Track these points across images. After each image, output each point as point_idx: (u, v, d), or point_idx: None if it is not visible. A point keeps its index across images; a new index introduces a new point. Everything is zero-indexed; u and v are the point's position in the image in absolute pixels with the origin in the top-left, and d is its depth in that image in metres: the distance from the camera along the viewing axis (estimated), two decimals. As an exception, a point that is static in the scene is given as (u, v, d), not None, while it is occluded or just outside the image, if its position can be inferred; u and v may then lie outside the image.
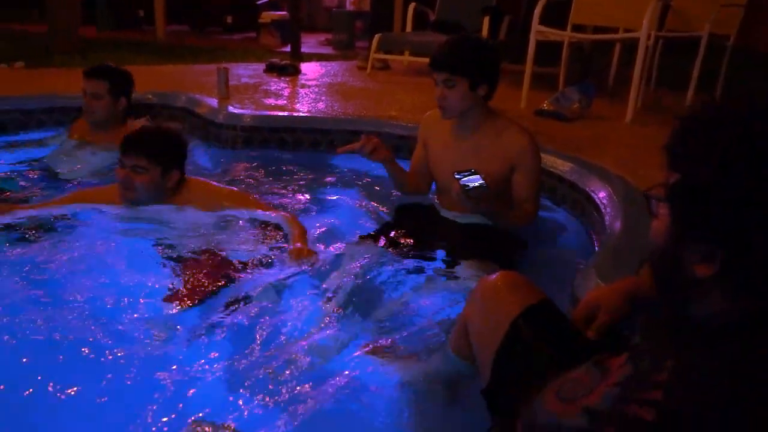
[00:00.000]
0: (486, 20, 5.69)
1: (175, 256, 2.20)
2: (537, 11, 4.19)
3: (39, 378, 1.61)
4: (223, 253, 2.23)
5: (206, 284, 2.05)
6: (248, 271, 2.18)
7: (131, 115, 3.27)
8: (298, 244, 2.24)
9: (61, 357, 1.69)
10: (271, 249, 2.30)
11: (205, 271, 2.11)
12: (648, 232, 1.00)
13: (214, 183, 2.66)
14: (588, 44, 5.32)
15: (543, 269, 2.16)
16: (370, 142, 2.24)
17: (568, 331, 1.35)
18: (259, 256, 2.25)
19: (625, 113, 4.02)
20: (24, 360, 1.67)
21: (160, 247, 2.24)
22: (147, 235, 2.28)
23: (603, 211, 2.39)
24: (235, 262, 2.20)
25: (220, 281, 2.08)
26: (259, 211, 2.46)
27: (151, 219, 2.34)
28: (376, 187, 3.08)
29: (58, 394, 1.56)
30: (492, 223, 2.23)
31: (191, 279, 2.07)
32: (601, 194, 2.52)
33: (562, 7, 4.52)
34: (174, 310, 1.94)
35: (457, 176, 1.96)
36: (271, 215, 2.45)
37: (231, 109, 3.94)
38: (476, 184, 1.96)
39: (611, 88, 5.21)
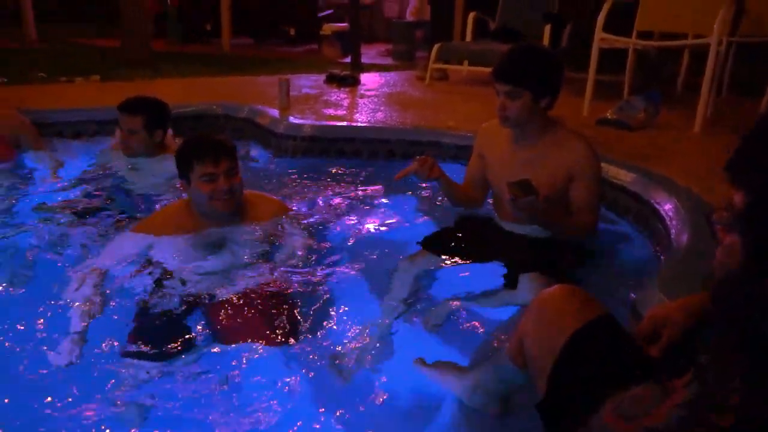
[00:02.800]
0: (547, 28, 5.60)
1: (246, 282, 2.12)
2: (600, 18, 4.09)
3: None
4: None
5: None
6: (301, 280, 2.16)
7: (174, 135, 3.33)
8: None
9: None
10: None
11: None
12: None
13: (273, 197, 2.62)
14: (654, 51, 5.16)
15: (604, 283, 2.11)
16: (425, 163, 2.22)
17: (629, 347, 1.31)
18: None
19: (693, 123, 3.86)
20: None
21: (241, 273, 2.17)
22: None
23: (668, 223, 2.31)
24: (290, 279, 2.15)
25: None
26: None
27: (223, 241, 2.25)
28: (435, 197, 3.07)
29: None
30: (550, 235, 2.18)
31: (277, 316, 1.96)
32: (667, 206, 2.43)
33: (627, 13, 4.40)
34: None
35: (509, 186, 1.94)
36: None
37: (291, 119, 4.03)
38: (527, 197, 1.92)
39: (679, 97, 5.02)
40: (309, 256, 2.32)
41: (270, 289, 2.08)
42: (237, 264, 2.18)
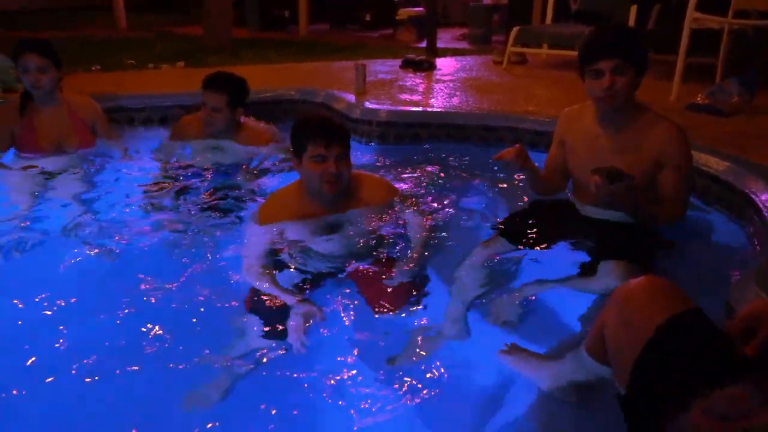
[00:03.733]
0: (634, 8, 5.35)
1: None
2: (693, -3, 3.86)
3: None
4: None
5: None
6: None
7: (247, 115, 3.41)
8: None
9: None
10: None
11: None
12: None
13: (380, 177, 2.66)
14: (752, 31, 4.82)
15: (693, 275, 2.02)
16: (521, 154, 2.22)
17: (720, 344, 1.24)
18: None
19: (794, 108, 3.61)
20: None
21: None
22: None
23: (766, 214, 2.16)
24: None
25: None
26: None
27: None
28: (512, 182, 3.01)
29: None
30: (634, 222, 2.09)
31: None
32: (764, 196, 2.28)
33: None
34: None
35: (597, 172, 1.87)
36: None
37: (367, 104, 4.04)
38: (618, 183, 1.85)
39: (778, 80, 4.69)
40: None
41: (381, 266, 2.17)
42: (353, 245, 2.24)
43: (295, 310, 1.91)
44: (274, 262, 2.17)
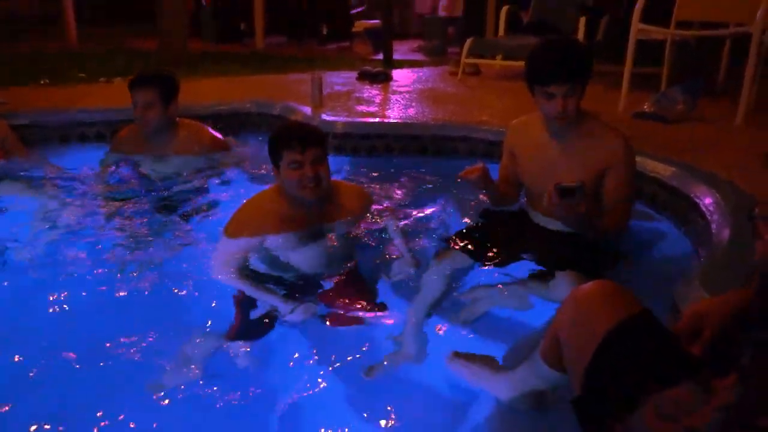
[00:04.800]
0: (583, 20, 5.51)
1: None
2: (638, 8, 4.00)
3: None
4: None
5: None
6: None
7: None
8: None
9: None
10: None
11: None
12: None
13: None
14: (694, 41, 5.03)
15: (641, 279, 2.06)
16: (484, 174, 2.22)
17: (669, 345, 1.27)
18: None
19: (736, 115, 3.75)
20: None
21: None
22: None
23: (709, 218, 2.24)
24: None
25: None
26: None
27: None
28: (465, 192, 3.05)
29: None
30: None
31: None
32: (707, 200, 2.37)
33: (665, 3, 4.29)
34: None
35: (555, 188, 1.89)
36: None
37: (324, 116, 4.04)
38: (572, 186, 1.87)
39: (721, 88, 4.88)
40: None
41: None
42: (332, 254, 2.25)
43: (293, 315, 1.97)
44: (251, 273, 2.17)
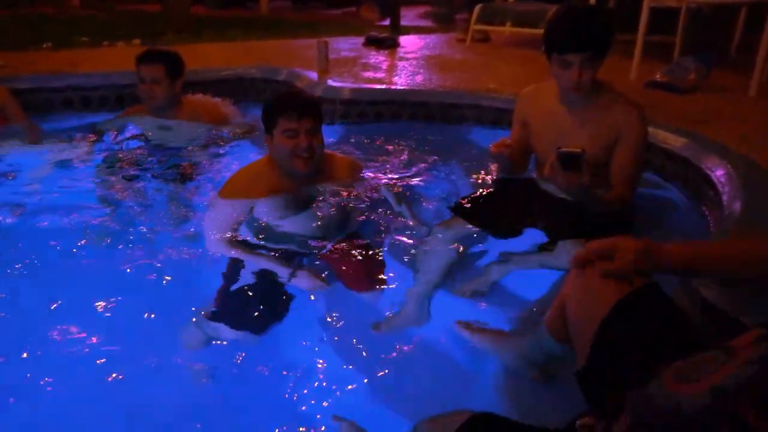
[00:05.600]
0: (595, -14, 5.38)
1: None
2: (652, -25, 3.90)
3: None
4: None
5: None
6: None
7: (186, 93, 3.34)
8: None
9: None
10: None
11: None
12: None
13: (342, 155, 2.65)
14: (708, 9, 4.90)
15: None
16: (512, 151, 2.14)
17: (675, 316, 1.26)
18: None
19: (749, 85, 3.68)
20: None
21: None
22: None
23: (720, 190, 2.21)
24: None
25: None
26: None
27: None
28: (474, 159, 3.02)
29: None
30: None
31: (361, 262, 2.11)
32: (719, 172, 2.33)
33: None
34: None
35: (558, 154, 1.85)
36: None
37: (330, 82, 3.99)
38: (575, 152, 1.82)
39: (734, 58, 4.79)
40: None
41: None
42: (324, 222, 2.23)
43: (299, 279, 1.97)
44: (243, 242, 2.14)
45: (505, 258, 2.09)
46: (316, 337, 1.79)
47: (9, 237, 2.31)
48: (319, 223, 2.21)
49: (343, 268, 2.08)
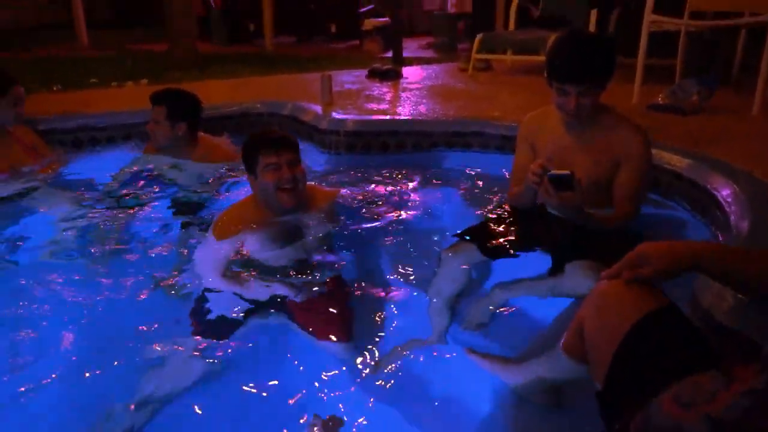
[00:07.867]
0: (594, 13, 5.46)
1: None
2: (650, -1, 3.95)
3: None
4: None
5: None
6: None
7: (207, 132, 3.36)
8: None
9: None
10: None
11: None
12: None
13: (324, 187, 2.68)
14: (708, 32, 4.95)
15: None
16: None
17: (693, 338, 1.25)
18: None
19: (752, 105, 3.70)
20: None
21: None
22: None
23: (727, 209, 2.21)
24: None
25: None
26: None
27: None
28: (479, 186, 3.03)
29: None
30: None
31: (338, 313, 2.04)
32: (725, 192, 2.33)
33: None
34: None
35: (548, 179, 1.85)
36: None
37: (334, 115, 4.03)
38: (563, 174, 1.83)
39: (736, 79, 4.81)
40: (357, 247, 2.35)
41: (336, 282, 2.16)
42: (309, 252, 2.24)
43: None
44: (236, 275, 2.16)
45: (514, 284, 2.08)
46: (323, 364, 1.79)
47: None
48: (303, 256, 2.23)
49: (304, 318, 2.00)
